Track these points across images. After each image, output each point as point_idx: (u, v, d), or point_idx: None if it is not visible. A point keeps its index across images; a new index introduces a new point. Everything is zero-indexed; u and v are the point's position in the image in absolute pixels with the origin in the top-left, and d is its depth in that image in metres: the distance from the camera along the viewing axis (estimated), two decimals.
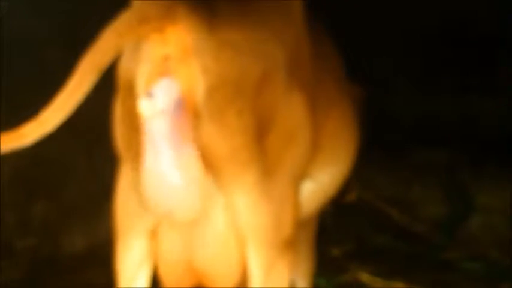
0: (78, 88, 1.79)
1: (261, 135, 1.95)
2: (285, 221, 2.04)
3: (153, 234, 2.07)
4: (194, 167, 1.85)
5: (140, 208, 1.97)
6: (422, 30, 4.72)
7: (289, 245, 2.05)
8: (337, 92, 2.42)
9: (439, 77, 4.69)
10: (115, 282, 2.12)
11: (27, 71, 3.39)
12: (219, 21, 1.90)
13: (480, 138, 4.43)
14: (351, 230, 3.93)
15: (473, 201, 3.97)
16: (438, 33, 4.71)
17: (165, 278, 2.11)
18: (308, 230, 2.87)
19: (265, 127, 1.97)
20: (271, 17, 2.05)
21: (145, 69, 1.84)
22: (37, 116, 1.80)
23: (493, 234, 3.86)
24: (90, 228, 3.59)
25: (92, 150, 3.55)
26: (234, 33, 1.91)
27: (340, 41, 2.61)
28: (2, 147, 1.80)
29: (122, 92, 1.97)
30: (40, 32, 3.47)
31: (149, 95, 1.81)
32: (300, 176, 2.12)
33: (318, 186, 2.33)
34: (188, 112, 1.84)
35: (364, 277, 3.53)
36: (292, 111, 2.04)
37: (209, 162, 1.91)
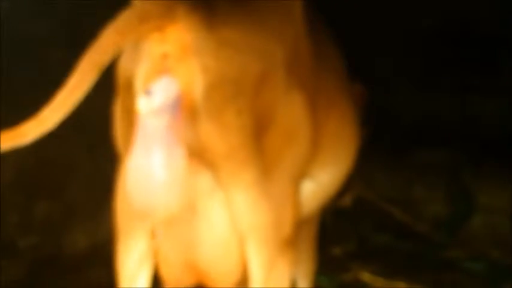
0: (78, 87, 1.78)
1: (259, 134, 1.94)
2: (285, 220, 2.03)
3: (154, 233, 2.07)
4: (180, 166, 1.85)
5: None
6: (423, 30, 4.70)
7: (290, 244, 2.05)
8: (338, 92, 2.41)
9: (439, 77, 4.67)
10: (116, 282, 2.11)
11: (27, 71, 3.38)
12: (218, 20, 1.89)
13: (481, 138, 4.42)
14: (353, 230, 3.92)
15: (475, 201, 3.96)
16: (439, 33, 4.70)
17: (166, 277, 2.10)
18: (309, 230, 2.87)
19: (264, 126, 1.96)
20: (271, 17, 2.05)
21: (144, 67, 1.84)
22: (37, 115, 1.80)
23: (495, 233, 3.85)
24: (92, 227, 3.58)
25: (95, 149, 3.54)
26: (233, 32, 1.91)
27: (340, 41, 2.60)
28: (1, 145, 1.80)
29: (122, 90, 1.97)
30: (41, 32, 3.47)
31: (147, 92, 1.80)
32: (300, 175, 2.12)
33: (318, 185, 2.32)
34: (185, 110, 1.84)
35: (366, 276, 3.52)
36: (291, 111, 2.03)
37: (207, 161, 1.91)
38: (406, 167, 4.32)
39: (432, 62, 4.65)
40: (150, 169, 1.81)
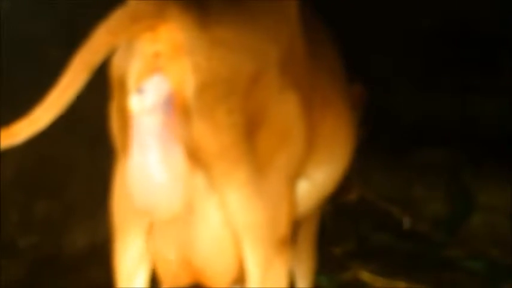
0: (70, 86, 1.78)
1: (251, 133, 1.93)
2: (280, 219, 2.02)
3: (151, 232, 2.06)
4: (179, 164, 1.85)
5: None
6: (423, 30, 4.70)
7: (286, 243, 2.04)
8: (334, 91, 2.40)
9: (439, 77, 4.67)
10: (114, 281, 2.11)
11: (27, 71, 3.38)
12: (211, 20, 1.88)
13: (481, 138, 4.41)
14: (352, 229, 3.92)
15: (474, 201, 3.95)
16: (439, 33, 4.69)
17: (163, 275, 2.09)
18: (309, 229, 2.87)
19: (256, 125, 1.95)
20: (265, 16, 2.04)
21: (136, 66, 1.83)
22: (28, 114, 1.79)
23: (494, 233, 3.85)
24: (92, 227, 3.57)
25: (94, 149, 3.53)
26: (226, 31, 1.90)
27: (340, 41, 2.59)
28: None
29: (115, 89, 1.96)
30: (41, 32, 3.46)
31: (139, 91, 1.80)
32: (295, 174, 2.10)
33: (314, 185, 2.30)
34: (178, 109, 1.83)
35: (366, 276, 3.52)
36: (285, 110, 2.02)
37: (200, 160, 1.90)
38: (405, 167, 4.31)
39: (432, 62, 4.64)
40: (148, 167, 1.81)
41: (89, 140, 3.53)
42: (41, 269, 3.46)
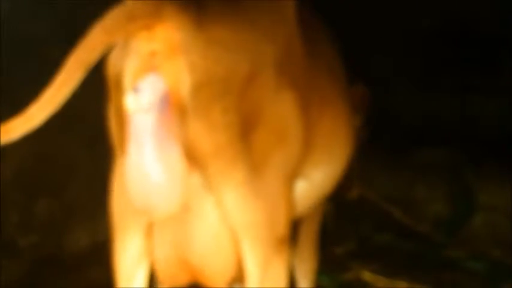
0: (65, 85, 1.77)
1: (247, 132, 1.92)
2: (278, 218, 2.01)
3: (149, 231, 2.05)
4: (177, 163, 1.84)
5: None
6: (423, 30, 4.71)
7: (285, 242, 2.03)
8: (333, 91, 2.38)
9: (440, 77, 4.67)
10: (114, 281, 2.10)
11: (27, 70, 3.38)
12: (207, 19, 1.88)
13: (481, 138, 4.41)
14: (354, 229, 3.91)
15: (475, 201, 3.95)
16: (439, 33, 4.69)
17: (161, 275, 2.08)
18: (310, 229, 2.87)
19: (251, 125, 1.94)
20: (262, 16, 2.03)
21: (132, 65, 1.83)
22: (23, 112, 1.79)
23: (495, 233, 3.84)
24: (93, 226, 3.57)
25: (95, 148, 3.51)
26: (222, 31, 1.89)
27: (340, 40, 2.57)
28: None
29: (111, 88, 1.96)
30: (41, 32, 3.46)
31: (135, 90, 1.80)
32: (293, 174, 2.09)
33: (312, 185, 2.29)
34: (174, 108, 1.82)
35: (367, 276, 3.51)
36: (282, 110, 2.01)
37: (196, 159, 1.89)
38: (406, 167, 4.31)
39: (432, 62, 4.64)
40: (145, 166, 1.80)
41: (89, 140, 3.52)
42: (41, 268, 3.46)
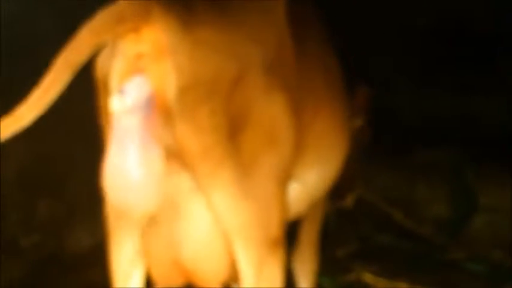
0: (52, 86, 1.77)
1: (235, 134, 1.91)
2: (271, 219, 1.99)
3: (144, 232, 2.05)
4: (156, 164, 1.84)
5: None
6: (422, 30, 4.70)
7: (279, 243, 2.01)
8: (327, 92, 2.36)
9: (440, 77, 4.66)
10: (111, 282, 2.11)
11: (27, 70, 3.36)
12: (195, 21, 1.86)
13: (482, 138, 4.40)
14: (354, 231, 3.90)
15: (476, 202, 3.93)
16: (438, 33, 4.69)
17: (155, 276, 2.08)
18: (311, 230, 2.87)
19: (239, 126, 1.92)
20: (250, 17, 2.01)
21: (118, 67, 1.83)
22: (12, 112, 1.79)
23: (496, 235, 3.84)
24: (94, 226, 3.54)
25: (96, 148, 3.50)
26: (210, 33, 1.88)
27: (340, 40, 2.56)
28: None
29: (100, 89, 1.96)
30: (41, 32, 3.45)
31: (121, 92, 1.80)
32: (285, 176, 2.07)
33: (305, 187, 2.28)
34: (159, 110, 1.82)
35: (368, 277, 3.50)
36: (272, 111, 1.99)
37: (184, 160, 1.88)
38: (406, 168, 4.31)
39: (432, 62, 4.64)
40: (125, 167, 1.81)
41: (90, 140, 3.50)
42: (42, 268, 3.46)
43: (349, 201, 3.23)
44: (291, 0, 2.21)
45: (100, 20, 1.81)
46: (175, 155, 1.87)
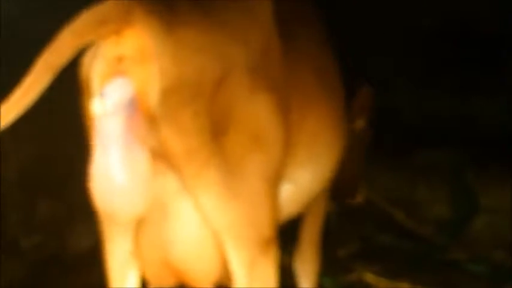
0: (32, 87, 1.76)
1: (219, 135, 1.89)
2: (261, 219, 1.97)
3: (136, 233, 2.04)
4: (142, 166, 1.82)
5: None
6: (426, 31, 4.69)
7: (271, 242, 2.00)
8: (319, 91, 2.31)
9: (441, 77, 4.66)
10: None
11: (27, 70, 3.36)
12: (177, 22, 1.84)
13: (483, 139, 4.40)
14: (356, 231, 3.89)
15: (477, 202, 3.92)
16: (442, 34, 4.68)
17: (148, 277, 2.06)
18: (313, 230, 2.85)
19: (224, 127, 1.90)
20: (234, 18, 1.98)
21: (99, 69, 1.81)
22: None
23: (497, 235, 3.83)
24: (95, 227, 3.54)
25: None
26: (193, 34, 1.85)
27: (340, 40, 2.54)
28: None
29: (84, 90, 1.93)
30: (41, 32, 3.43)
31: (102, 94, 1.78)
32: (276, 176, 2.04)
33: (298, 187, 2.25)
34: (142, 112, 1.80)
35: (369, 277, 3.48)
36: (257, 112, 1.96)
37: (170, 161, 1.86)
38: (408, 168, 4.30)
39: (433, 62, 4.63)
40: (109, 169, 1.79)
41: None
42: (43, 269, 3.45)
43: (359, 198, 3.22)
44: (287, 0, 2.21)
45: (81, 21, 1.79)
46: (161, 156, 1.85)
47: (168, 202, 1.93)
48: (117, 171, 1.78)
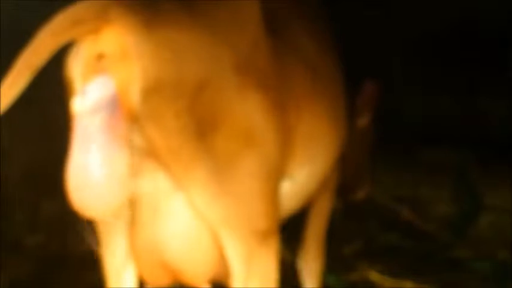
0: (11, 87, 1.75)
1: (205, 134, 1.86)
2: (257, 214, 1.96)
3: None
4: (120, 165, 1.80)
5: None
6: (427, 30, 4.69)
7: (270, 236, 1.98)
8: (316, 88, 2.28)
9: (446, 77, 4.66)
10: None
11: None
12: (159, 21, 1.81)
13: (487, 138, 4.40)
14: (360, 229, 3.88)
15: (481, 201, 3.92)
16: (442, 33, 4.68)
17: (145, 276, 2.05)
18: (317, 229, 2.84)
19: (211, 126, 1.87)
20: (219, 17, 1.95)
21: (79, 68, 1.80)
22: None
23: (501, 234, 3.82)
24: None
25: None
26: (175, 34, 1.82)
27: (341, 40, 2.52)
28: None
29: (68, 89, 1.90)
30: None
31: (83, 92, 1.76)
32: (273, 172, 2.01)
33: (296, 184, 2.22)
34: (123, 110, 1.77)
35: (374, 276, 3.47)
36: (246, 111, 1.93)
37: (158, 159, 1.86)
38: (412, 167, 4.30)
39: (438, 62, 4.63)
40: (87, 167, 1.77)
41: None
42: (47, 267, 3.44)
43: (361, 195, 3.22)
44: None
45: (58, 21, 1.77)
46: (149, 155, 1.83)
47: (160, 201, 1.92)
48: (94, 168, 1.75)
